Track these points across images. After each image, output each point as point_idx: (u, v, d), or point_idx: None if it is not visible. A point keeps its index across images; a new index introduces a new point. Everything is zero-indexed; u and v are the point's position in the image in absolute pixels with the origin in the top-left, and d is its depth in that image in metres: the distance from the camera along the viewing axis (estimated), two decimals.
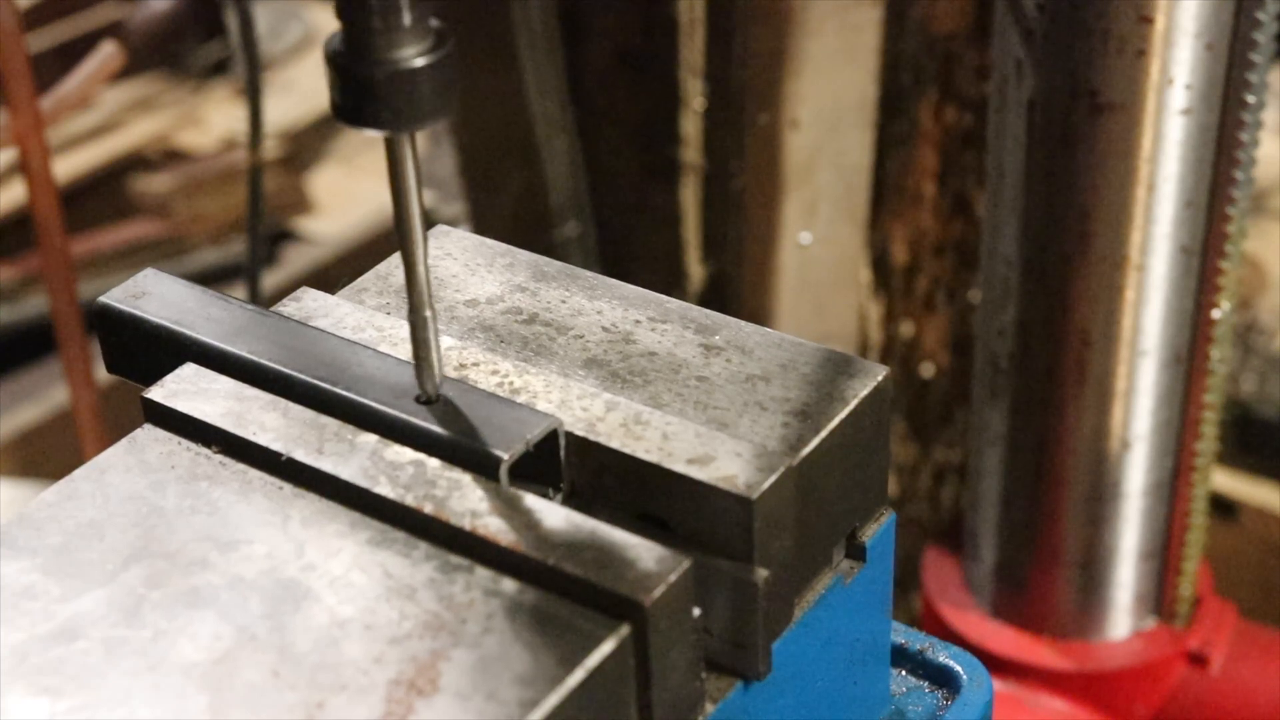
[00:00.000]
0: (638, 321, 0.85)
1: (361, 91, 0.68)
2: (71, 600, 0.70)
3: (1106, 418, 1.40)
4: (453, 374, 0.79)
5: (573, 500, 0.76)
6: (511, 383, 0.79)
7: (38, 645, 0.68)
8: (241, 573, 0.70)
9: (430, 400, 0.76)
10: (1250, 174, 1.31)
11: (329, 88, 0.70)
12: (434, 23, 0.69)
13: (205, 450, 0.77)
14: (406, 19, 0.67)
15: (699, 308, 0.85)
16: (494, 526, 0.70)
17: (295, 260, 3.19)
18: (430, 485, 0.72)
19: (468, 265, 0.90)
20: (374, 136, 0.70)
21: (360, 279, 0.90)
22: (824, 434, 0.76)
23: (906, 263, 1.88)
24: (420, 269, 0.74)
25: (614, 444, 0.74)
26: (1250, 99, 1.27)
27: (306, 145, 3.46)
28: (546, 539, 0.69)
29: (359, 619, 0.68)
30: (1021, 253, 1.36)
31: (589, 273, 0.89)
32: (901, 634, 0.92)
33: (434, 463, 0.73)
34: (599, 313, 0.85)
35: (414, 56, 0.68)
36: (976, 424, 1.49)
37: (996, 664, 1.49)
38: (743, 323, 0.84)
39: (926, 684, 0.91)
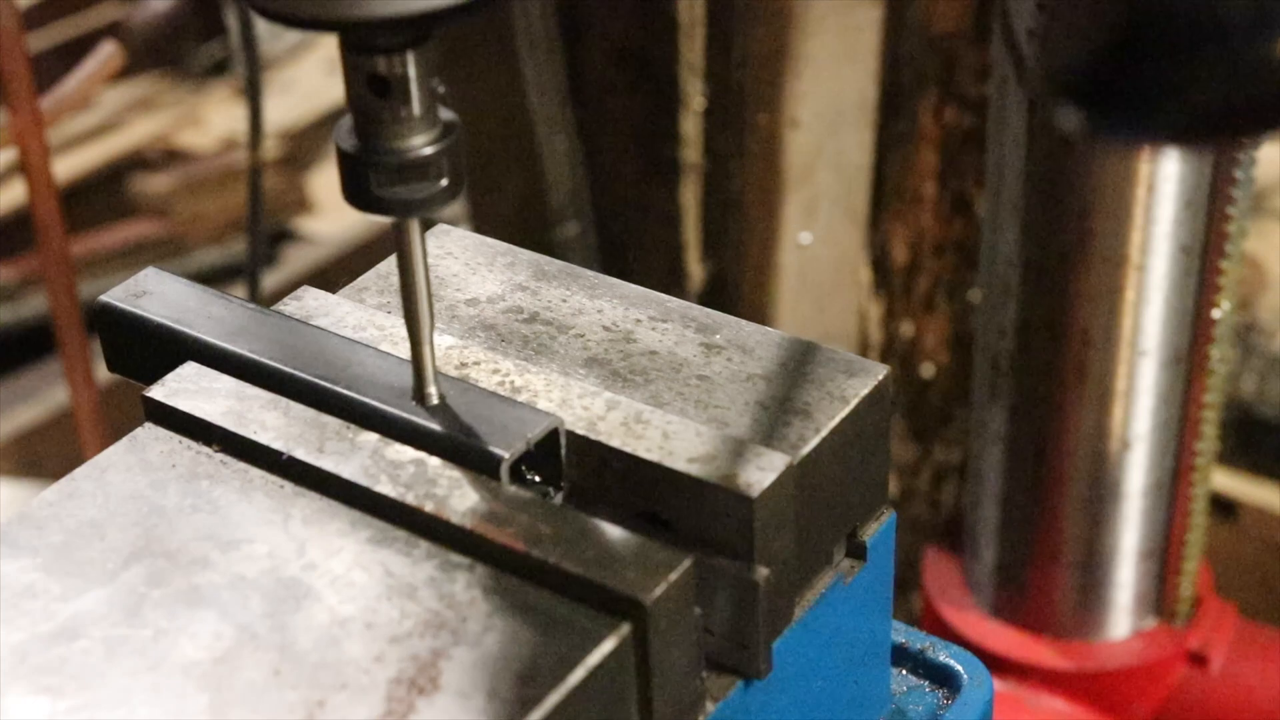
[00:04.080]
0: (638, 320, 0.85)
1: (370, 179, 0.68)
2: (72, 599, 0.70)
3: (1106, 418, 1.40)
4: (453, 373, 0.79)
5: (573, 499, 0.76)
6: (512, 382, 0.78)
7: (38, 644, 0.68)
8: (242, 572, 0.70)
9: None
10: (1250, 174, 1.31)
11: (339, 172, 0.70)
12: (445, 113, 0.69)
13: (206, 449, 0.77)
14: (416, 109, 0.67)
15: (700, 307, 0.85)
16: (494, 525, 0.70)
17: (295, 260, 3.18)
18: (431, 484, 0.72)
19: (468, 264, 0.90)
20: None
21: (361, 278, 0.90)
22: (824, 433, 0.76)
23: (906, 263, 1.88)
24: (426, 349, 0.74)
25: (615, 443, 0.74)
26: None
27: (306, 145, 3.46)
28: (547, 537, 0.69)
29: (360, 618, 0.68)
30: (1021, 253, 1.36)
31: (590, 272, 0.89)
32: (902, 633, 0.92)
33: (435, 461, 0.73)
34: (600, 312, 0.85)
35: (423, 145, 0.68)
36: (976, 424, 1.49)
37: (996, 664, 1.49)
38: (743, 322, 0.84)
39: (927, 683, 0.91)
